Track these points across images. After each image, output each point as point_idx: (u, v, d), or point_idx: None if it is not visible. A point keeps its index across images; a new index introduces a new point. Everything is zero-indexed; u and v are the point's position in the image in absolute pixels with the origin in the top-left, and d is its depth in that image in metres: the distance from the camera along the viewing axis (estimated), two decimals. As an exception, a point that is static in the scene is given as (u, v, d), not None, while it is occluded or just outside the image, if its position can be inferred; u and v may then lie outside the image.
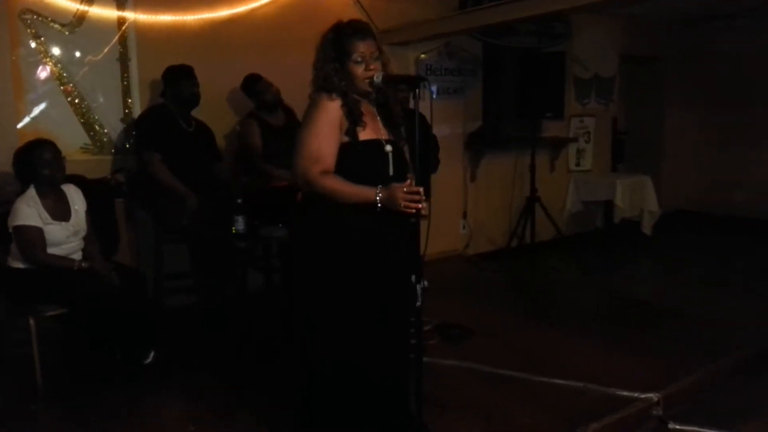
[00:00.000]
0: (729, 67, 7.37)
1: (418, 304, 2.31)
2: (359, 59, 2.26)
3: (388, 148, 2.31)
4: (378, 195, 2.18)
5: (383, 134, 2.34)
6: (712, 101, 7.63)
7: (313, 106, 2.28)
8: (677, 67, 7.72)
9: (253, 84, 4.24)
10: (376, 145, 2.30)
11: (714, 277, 5.24)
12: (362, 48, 2.26)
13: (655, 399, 2.94)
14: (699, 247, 6.38)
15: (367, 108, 2.34)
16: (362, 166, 2.25)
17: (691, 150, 7.88)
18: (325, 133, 2.22)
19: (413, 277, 2.27)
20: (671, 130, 7.88)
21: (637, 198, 6.35)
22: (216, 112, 4.34)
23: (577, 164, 6.87)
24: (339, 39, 2.28)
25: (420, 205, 2.17)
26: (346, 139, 2.24)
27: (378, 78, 2.27)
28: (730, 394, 3.15)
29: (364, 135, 2.27)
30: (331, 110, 2.23)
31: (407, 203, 2.14)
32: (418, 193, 2.15)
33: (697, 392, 3.12)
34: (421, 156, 2.21)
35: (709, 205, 7.61)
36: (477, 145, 5.98)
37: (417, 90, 2.21)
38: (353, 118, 2.25)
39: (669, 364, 3.32)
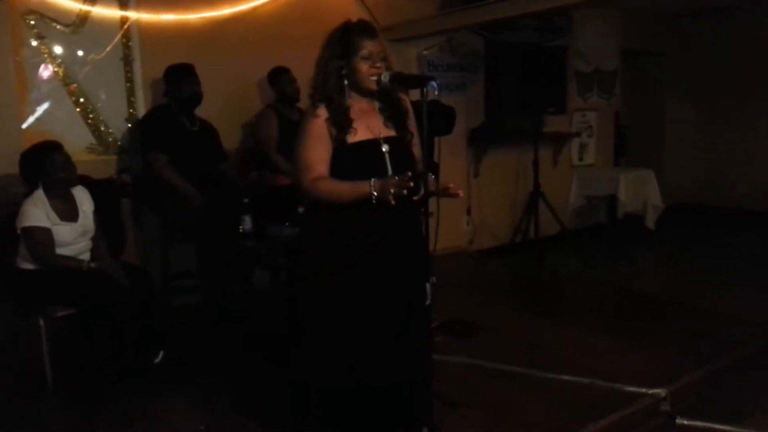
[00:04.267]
0: (730, 60, 7.38)
1: (428, 302, 2.32)
2: (366, 55, 2.26)
3: (385, 147, 2.29)
4: (371, 186, 2.16)
5: (382, 132, 2.32)
6: (713, 94, 7.64)
7: (303, 119, 2.34)
8: (679, 61, 7.72)
9: (280, 74, 4.31)
10: (370, 145, 2.28)
11: (719, 271, 5.25)
12: (370, 46, 2.26)
13: (663, 394, 2.95)
14: (703, 241, 6.39)
15: (365, 107, 2.33)
16: (356, 169, 2.24)
17: (693, 143, 7.89)
18: (312, 144, 2.25)
19: (426, 282, 2.28)
20: (673, 123, 7.89)
21: (640, 192, 6.36)
22: (220, 110, 4.34)
23: (580, 159, 6.88)
24: (347, 36, 2.28)
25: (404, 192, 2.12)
26: (335, 145, 2.26)
27: (385, 77, 2.27)
28: (738, 388, 3.16)
29: (358, 137, 2.27)
30: (317, 123, 2.25)
31: (398, 191, 2.11)
32: (409, 181, 2.10)
33: (704, 387, 3.13)
34: (430, 153, 2.20)
35: (712, 198, 7.63)
36: (480, 141, 5.98)
37: (424, 89, 2.21)
38: (340, 127, 2.26)
39: (676, 358, 3.33)
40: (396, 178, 2.12)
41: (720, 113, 7.66)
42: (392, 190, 2.10)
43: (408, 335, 2.35)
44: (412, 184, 2.10)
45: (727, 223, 6.93)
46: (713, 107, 7.70)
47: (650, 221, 6.40)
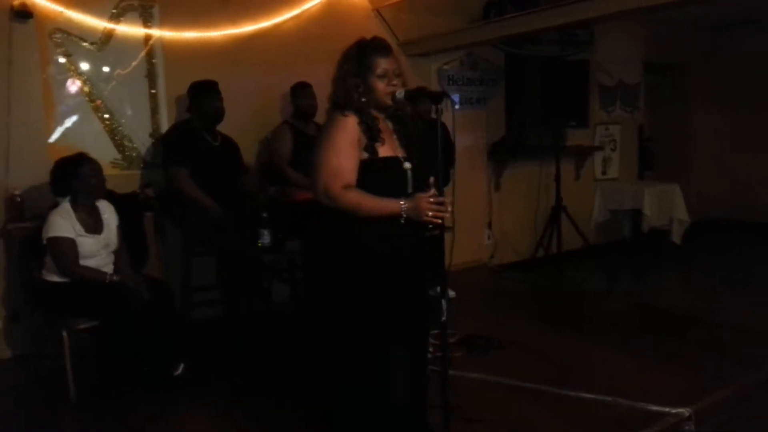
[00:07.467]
0: (755, 72, 7.26)
1: (444, 318, 2.30)
2: (381, 74, 2.28)
3: (407, 165, 2.32)
4: (402, 206, 2.19)
5: (400, 152, 2.35)
6: (738, 106, 7.53)
7: (330, 123, 2.31)
8: (703, 73, 7.63)
9: (299, 88, 4.37)
10: (395, 161, 2.31)
11: (746, 287, 5.14)
12: (385, 64, 2.28)
13: (687, 414, 2.88)
14: (730, 256, 6.27)
15: (384, 125, 2.36)
16: (382, 183, 2.25)
17: (720, 156, 7.77)
18: (344, 150, 2.23)
19: (435, 291, 2.27)
20: (699, 136, 7.78)
21: (665, 206, 6.25)
22: (241, 125, 4.39)
23: (603, 172, 6.82)
24: (362, 54, 2.31)
25: (447, 215, 2.18)
26: (365, 155, 2.25)
27: (400, 93, 2.29)
28: (764, 407, 3.07)
29: (383, 152, 2.28)
30: (349, 128, 2.24)
31: (435, 212, 2.15)
32: (443, 203, 2.17)
33: (730, 406, 3.05)
34: (443, 168, 2.22)
35: (740, 213, 7.49)
36: (500, 155, 5.96)
37: (439, 105, 2.22)
38: (371, 134, 2.26)
39: (701, 376, 3.26)
40: (428, 197, 2.17)
41: (748, 125, 7.54)
42: (430, 214, 2.15)
43: (416, 349, 2.37)
44: (450, 207, 2.14)
45: (755, 237, 6.79)
46: (741, 119, 7.58)
47: (676, 236, 6.28)
